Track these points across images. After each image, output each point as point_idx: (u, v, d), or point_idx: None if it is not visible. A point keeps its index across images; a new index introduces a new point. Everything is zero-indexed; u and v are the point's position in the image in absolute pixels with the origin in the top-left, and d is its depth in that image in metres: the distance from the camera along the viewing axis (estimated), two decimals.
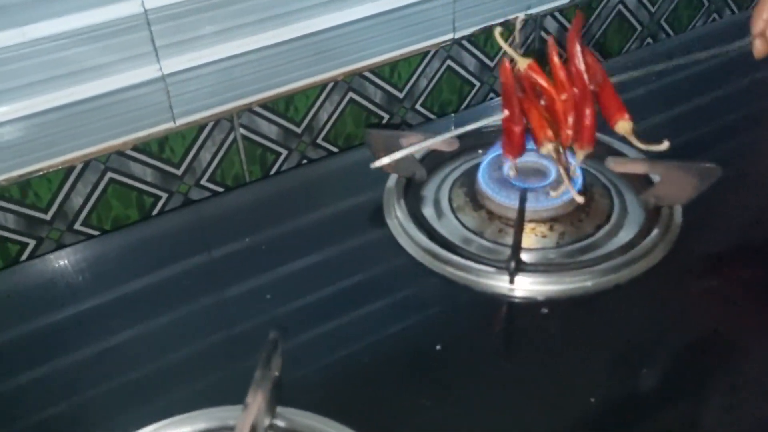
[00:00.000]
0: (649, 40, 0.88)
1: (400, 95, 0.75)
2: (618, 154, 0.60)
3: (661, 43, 0.89)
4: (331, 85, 0.70)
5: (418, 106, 0.76)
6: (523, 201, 0.52)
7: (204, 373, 0.47)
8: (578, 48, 0.49)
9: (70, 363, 0.49)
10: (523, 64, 0.50)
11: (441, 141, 0.54)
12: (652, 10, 0.86)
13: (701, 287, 0.51)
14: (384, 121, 0.75)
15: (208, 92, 0.64)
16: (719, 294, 0.50)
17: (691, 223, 0.54)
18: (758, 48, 0.51)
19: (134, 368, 0.48)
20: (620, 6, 0.83)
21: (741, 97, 0.73)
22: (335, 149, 0.73)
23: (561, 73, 0.49)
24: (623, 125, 0.48)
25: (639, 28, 0.86)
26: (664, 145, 0.47)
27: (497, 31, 0.51)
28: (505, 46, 0.50)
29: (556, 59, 0.49)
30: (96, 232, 0.64)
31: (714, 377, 0.44)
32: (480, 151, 0.63)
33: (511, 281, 0.49)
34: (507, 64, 0.51)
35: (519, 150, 0.53)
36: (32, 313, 0.53)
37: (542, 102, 0.50)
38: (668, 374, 0.45)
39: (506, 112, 0.50)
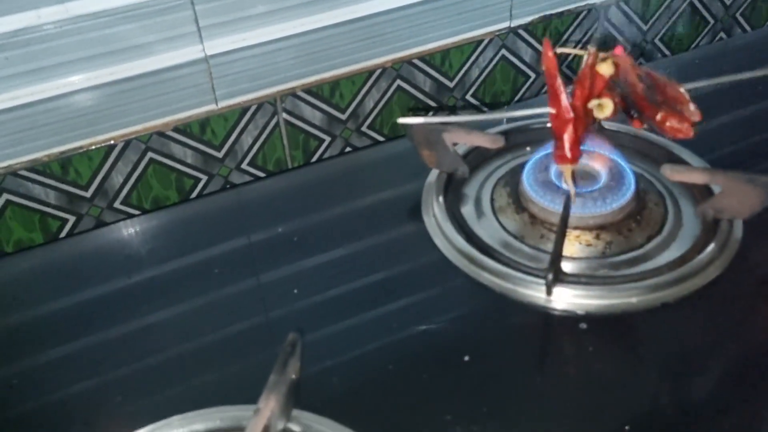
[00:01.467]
0: (722, 35, 0.82)
1: (451, 84, 0.71)
2: (676, 160, 0.55)
3: (736, 37, 0.82)
4: (378, 71, 0.67)
5: (468, 96, 0.73)
6: (567, 206, 0.49)
7: (223, 366, 0.45)
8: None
9: (95, 343, 0.48)
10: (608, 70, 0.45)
11: (485, 137, 0.51)
12: (728, 2, 0.79)
13: (758, 312, 0.46)
14: (432, 112, 0.71)
15: (252, 75, 0.62)
16: None
17: (751, 240, 0.49)
18: None
19: (154, 355, 0.46)
20: None
21: None
22: (381, 138, 0.70)
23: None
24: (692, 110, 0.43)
25: (712, 21, 0.80)
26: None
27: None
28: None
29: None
30: (135, 212, 0.63)
31: (765, 412, 0.40)
32: (528, 149, 0.59)
33: (549, 293, 0.45)
34: (550, 52, 0.46)
35: (574, 155, 0.48)
36: (65, 289, 0.53)
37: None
38: (710, 405, 0.41)
39: (552, 110, 0.46)
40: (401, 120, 0.52)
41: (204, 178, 0.64)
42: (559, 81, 0.46)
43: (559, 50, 0.47)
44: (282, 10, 0.61)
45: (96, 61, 0.56)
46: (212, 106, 0.62)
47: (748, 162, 0.59)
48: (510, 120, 0.53)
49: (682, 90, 0.44)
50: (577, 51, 0.47)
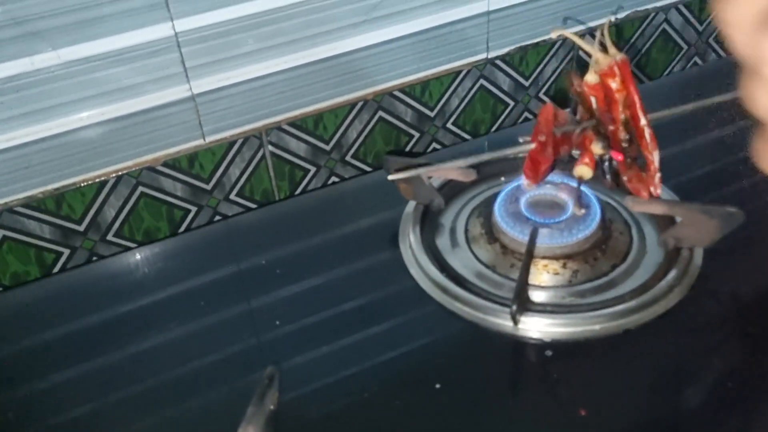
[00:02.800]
0: (697, 59, 0.84)
1: (431, 114, 0.74)
2: None
3: (711, 63, 0.85)
4: (360, 104, 0.70)
5: (449, 125, 0.75)
6: (533, 238, 0.51)
7: (205, 395, 0.47)
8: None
9: (83, 373, 0.51)
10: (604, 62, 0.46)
11: (457, 171, 0.53)
12: (700, 28, 0.82)
13: (716, 337, 0.48)
14: (414, 140, 0.74)
15: (238, 111, 0.65)
16: (734, 344, 0.47)
17: (711, 268, 0.51)
18: None
19: (137, 385, 0.49)
20: (665, 25, 0.80)
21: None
22: (365, 166, 0.73)
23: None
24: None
25: (685, 47, 0.83)
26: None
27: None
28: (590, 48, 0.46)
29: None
30: (128, 244, 0.65)
31: None
32: (502, 179, 0.62)
33: (514, 322, 0.47)
34: (550, 106, 0.49)
35: (540, 179, 0.51)
36: (59, 320, 0.55)
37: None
38: (670, 428, 0.43)
39: (535, 145, 0.48)
40: (391, 177, 0.54)
41: (194, 209, 0.67)
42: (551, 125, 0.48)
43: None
44: (267, 48, 0.63)
45: (88, 103, 0.59)
46: (200, 141, 0.65)
47: (714, 187, 0.62)
48: (491, 159, 0.55)
49: (655, 158, 0.45)
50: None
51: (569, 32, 0.48)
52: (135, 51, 0.58)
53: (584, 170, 0.49)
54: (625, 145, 0.47)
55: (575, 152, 0.51)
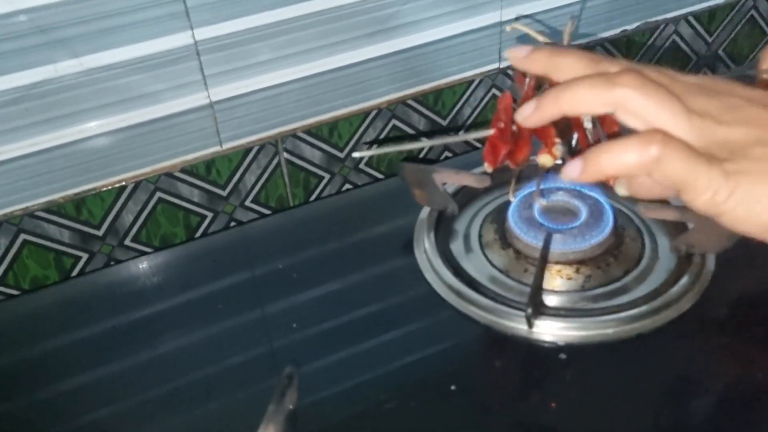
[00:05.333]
0: (706, 70, 0.85)
1: (444, 122, 0.75)
2: None
3: (720, 73, 0.86)
4: (374, 112, 0.71)
5: (462, 134, 0.76)
6: (547, 243, 0.52)
7: (225, 396, 0.48)
8: None
9: (104, 376, 0.52)
10: None
11: (471, 177, 0.54)
12: (709, 39, 0.83)
13: (727, 342, 0.49)
14: (427, 148, 0.75)
15: (254, 118, 0.66)
16: (745, 349, 0.48)
17: (723, 273, 0.52)
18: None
19: (160, 386, 0.50)
20: (675, 36, 0.81)
21: None
22: (378, 174, 0.74)
23: None
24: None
25: (695, 58, 0.84)
26: None
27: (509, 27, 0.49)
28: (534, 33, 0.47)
29: None
30: (145, 249, 0.66)
31: None
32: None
33: (529, 325, 0.48)
34: (509, 94, 0.49)
35: (499, 162, 0.51)
36: (78, 324, 0.56)
37: None
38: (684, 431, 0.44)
39: (495, 131, 0.48)
40: (356, 154, 0.52)
41: (210, 215, 0.68)
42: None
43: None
44: (283, 57, 0.64)
45: (109, 109, 0.60)
46: (217, 148, 0.66)
47: None
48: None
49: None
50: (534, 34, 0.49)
51: (519, 25, 0.49)
52: (155, 59, 0.59)
53: (546, 159, 0.48)
54: (588, 126, 0.47)
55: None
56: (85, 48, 0.57)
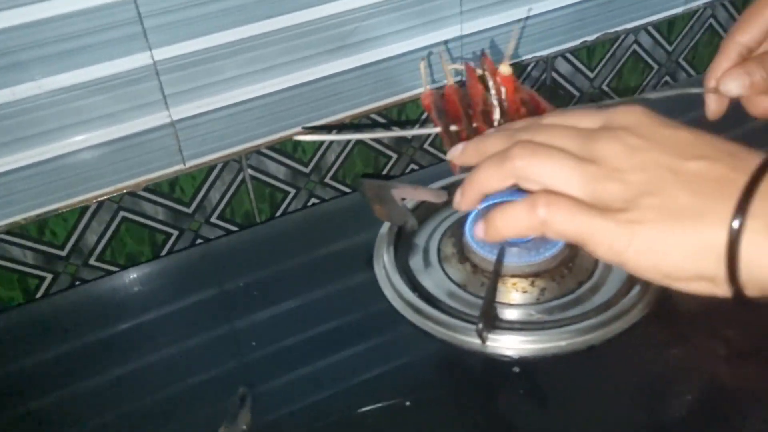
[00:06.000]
0: (668, 78, 0.86)
1: (409, 136, 0.75)
2: None
3: (682, 81, 0.87)
4: (339, 127, 0.71)
5: (427, 146, 0.77)
6: (500, 257, 0.52)
7: (182, 418, 0.49)
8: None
9: (65, 397, 0.52)
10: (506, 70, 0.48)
11: (430, 193, 0.55)
12: (669, 49, 0.84)
13: (677, 351, 0.50)
14: (392, 161, 0.76)
15: (218, 136, 0.67)
16: (696, 359, 0.49)
17: None
18: (711, 107, 0.46)
19: (118, 408, 0.50)
20: (635, 46, 0.82)
21: None
22: (344, 188, 0.74)
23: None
24: None
25: (656, 66, 0.85)
26: None
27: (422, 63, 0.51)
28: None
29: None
30: (111, 268, 0.67)
31: None
32: None
33: (482, 340, 0.49)
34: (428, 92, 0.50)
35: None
36: (42, 345, 0.57)
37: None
38: None
39: (439, 129, 0.49)
40: (298, 137, 0.52)
41: (175, 233, 0.68)
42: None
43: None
44: (245, 75, 0.65)
45: (69, 131, 0.60)
46: (180, 166, 0.66)
47: None
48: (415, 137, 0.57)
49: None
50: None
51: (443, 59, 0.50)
52: (115, 80, 0.60)
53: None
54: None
55: None
56: (44, 71, 0.57)
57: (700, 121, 0.42)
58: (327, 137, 0.52)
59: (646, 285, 0.52)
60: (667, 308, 0.52)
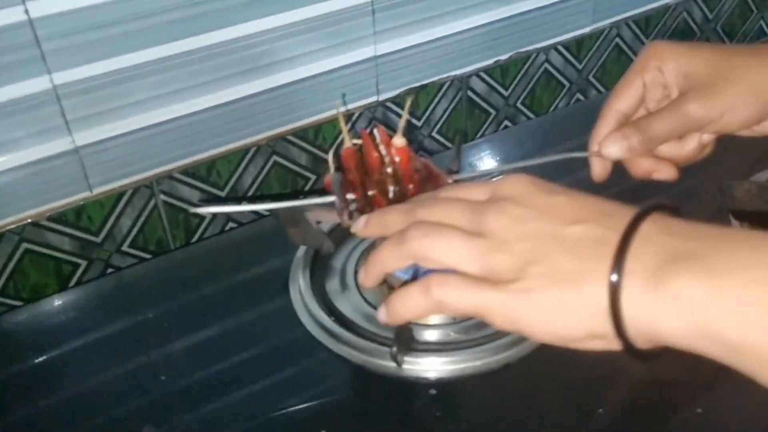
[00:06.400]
0: (579, 96, 0.89)
1: (326, 156, 0.74)
2: None
3: (593, 98, 0.89)
4: (254, 149, 0.70)
5: None
6: (414, 277, 0.52)
7: None
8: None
9: None
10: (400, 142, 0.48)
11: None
12: (579, 67, 0.86)
13: (593, 365, 0.50)
14: (310, 183, 0.75)
15: (126, 161, 0.64)
16: (614, 368, 0.49)
17: None
18: (595, 170, 0.48)
19: None
20: (547, 64, 0.83)
21: None
22: (263, 211, 0.73)
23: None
24: None
25: (567, 84, 0.87)
26: None
27: (340, 113, 0.51)
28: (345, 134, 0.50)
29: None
30: (14, 302, 0.63)
31: None
32: None
33: (397, 364, 0.48)
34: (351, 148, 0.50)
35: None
36: None
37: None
38: None
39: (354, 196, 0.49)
40: (194, 210, 0.50)
41: (83, 263, 0.65)
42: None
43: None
44: (154, 98, 0.63)
45: None
46: (87, 194, 0.63)
47: None
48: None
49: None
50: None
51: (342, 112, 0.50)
52: (13, 105, 0.57)
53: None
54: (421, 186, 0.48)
55: None
56: None
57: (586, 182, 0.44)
58: (223, 209, 0.51)
59: None
60: None
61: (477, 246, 0.33)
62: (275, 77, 0.68)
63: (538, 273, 0.31)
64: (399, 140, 0.48)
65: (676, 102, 0.44)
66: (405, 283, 0.42)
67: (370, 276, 0.39)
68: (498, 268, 0.32)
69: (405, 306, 0.35)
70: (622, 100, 0.46)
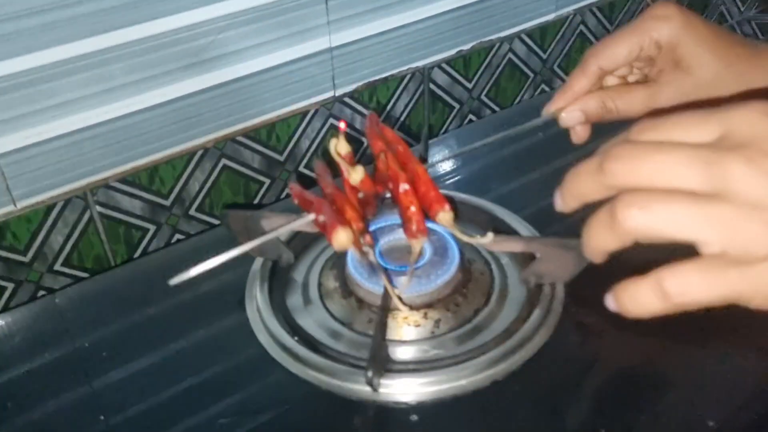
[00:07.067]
0: (544, 87, 0.84)
1: (281, 158, 0.68)
2: (500, 223, 0.54)
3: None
4: (200, 152, 0.63)
5: (302, 168, 0.70)
6: (387, 291, 0.46)
7: None
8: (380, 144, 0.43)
9: None
10: (356, 177, 0.43)
11: (304, 222, 0.47)
12: (544, 56, 0.82)
13: (586, 376, 0.45)
14: (265, 187, 0.68)
15: (54, 170, 0.57)
16: (605, 381, 0.44)
17: (574, 302, 0.48)
18: (578, 135, 0.47)
19: None
20: (510, 54, 0.79)
21: None
22: (212, 219, 0.66)
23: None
24: (444, 216, 0.41)
25: (532, 75, 0.82)
26: (488, 238, 0.41)
27: (332, 143, 0.45)
28: (339, 159, 0.44)
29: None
30: None
31: None
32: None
33: (373, 388, 0.42)
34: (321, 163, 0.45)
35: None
36: None
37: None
38: None
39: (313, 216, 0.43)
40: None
41: (10, 286, 0.57)
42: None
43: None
44: (82, 98, 0.55)
45: None
46: (10, 208, 0.56)
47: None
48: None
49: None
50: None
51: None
52: None
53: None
54: None
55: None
56: None
57: None
58: (204, 266, 0.43)
59: (547, 307, 0.47)
60: (570, 330, 0.47)
61: (719, 216, 0.25)
62: (222, 72, 0.61)
63: None
64: (355, 175, 0.42)
65: (652, 86, 0.43)
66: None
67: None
68: (749, 244, 0.25)
69: (636, 306, 0.28)
70: (610, 56, 0.43)
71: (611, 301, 0.29)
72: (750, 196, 0.25)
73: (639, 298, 0.28)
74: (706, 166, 0.26)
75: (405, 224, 0.42)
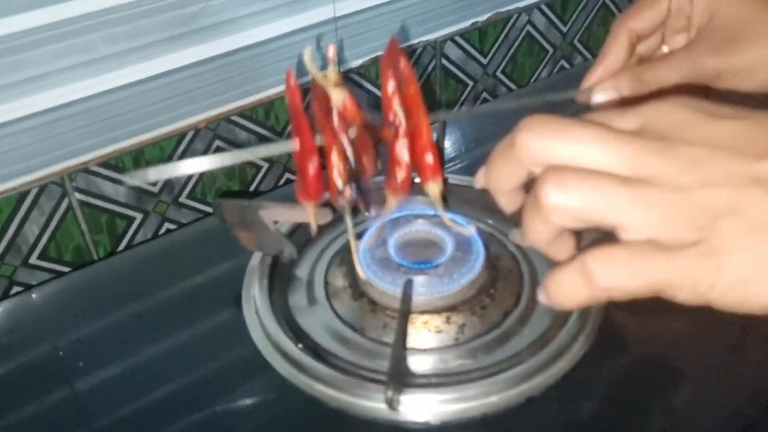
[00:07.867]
0: (563, 63, 0.77)
1: (280, 139, 0.61)
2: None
3: (579, 65, 0.78)
4: (191, 133, 0.56)
5: None
6: (407, 291, 0.40)
7: None
8: (391, 81, 0.36)
9: None
10: (338, 97, 0.36)
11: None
12: (564, 29, 0.75)
13: (631, 392, 0.39)
14: (264, 170, 0.62)
15: (27, 153, 0.50)
16: (654, 399, 0.38)
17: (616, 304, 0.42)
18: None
19: None
20: (529, 26, 0.72)
21: None
22: (205, 207, 0.59)
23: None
24: (431, 186, 0.35)
25: (551, 50, 0.75)
26: (470, 230, 0.37)
27: (307, 52, 0.38)
28: (313, 70, 0.37)
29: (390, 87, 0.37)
30: None
31: None
32: (367, 214, 0.50)
33: (392, 408, 0.36)
34: (292, 79, 0.38)
35: (315, 193, 0.38)
36: None
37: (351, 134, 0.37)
38: None
39: (296, 144, 0.37)
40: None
41: None
42: (303, 114, 0.37)
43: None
44: (57, 72, 0.49)
45: None
46: None
47: None
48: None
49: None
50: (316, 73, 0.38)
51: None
52: None
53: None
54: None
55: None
56: None
57: None
58: (166, 171, 0.36)
59: (586, 309, 0.41)
60: (613, 337, 0.41)
61: (645, 198, 0.24)
62: (215, 44, 0.55)
63: (731, 229, 0.24)
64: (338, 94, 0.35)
65: (689, 50, 0.39)
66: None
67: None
68: (675, 229, 0.25)
69: (562, 295, 0.27)
70: (640, 19, 0.41)
71: (541, 295, 0.28)
72: (670, 180, 0.24)
73: (564, 284, 0.26)
74: (628, 147, 0.25)
75: (387, 175, 0.36)
